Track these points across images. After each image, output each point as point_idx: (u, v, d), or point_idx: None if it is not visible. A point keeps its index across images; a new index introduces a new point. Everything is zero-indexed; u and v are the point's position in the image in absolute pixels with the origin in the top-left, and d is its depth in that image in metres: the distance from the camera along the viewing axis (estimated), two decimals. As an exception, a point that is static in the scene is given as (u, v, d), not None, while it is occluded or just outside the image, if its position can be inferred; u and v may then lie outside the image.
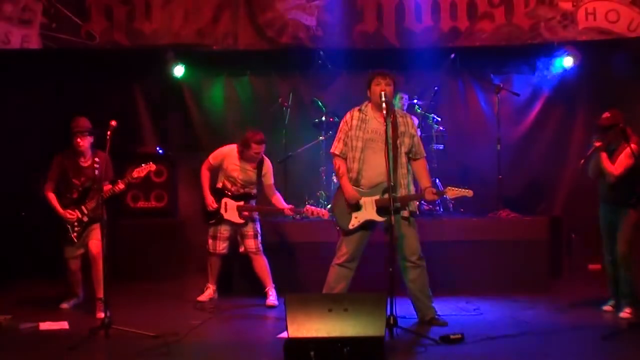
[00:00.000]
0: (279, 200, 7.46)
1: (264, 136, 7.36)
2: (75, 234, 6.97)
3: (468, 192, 6.16)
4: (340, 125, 6.44)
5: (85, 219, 6.98)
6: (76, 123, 6.97)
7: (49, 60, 8.86)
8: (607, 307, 6.90)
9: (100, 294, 6.77)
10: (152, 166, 6.94)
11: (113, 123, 6.26)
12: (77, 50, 8.79)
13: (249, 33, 8.78)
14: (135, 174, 6.81)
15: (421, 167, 6.41)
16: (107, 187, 6.87)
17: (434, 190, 6.30)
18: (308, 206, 7.30)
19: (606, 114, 6.71)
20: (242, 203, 7.39)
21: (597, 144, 6.61)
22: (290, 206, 7.35)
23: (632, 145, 6.38)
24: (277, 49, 8.86)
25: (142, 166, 6.85)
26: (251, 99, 9.70)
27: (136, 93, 9.57)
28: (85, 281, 7.21)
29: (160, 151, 9.22)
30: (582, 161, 6.80)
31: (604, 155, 6.61)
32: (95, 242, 6.90)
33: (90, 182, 6.92)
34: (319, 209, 7.25)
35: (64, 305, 7.24)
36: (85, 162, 7.02)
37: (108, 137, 6.24)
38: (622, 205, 6.66)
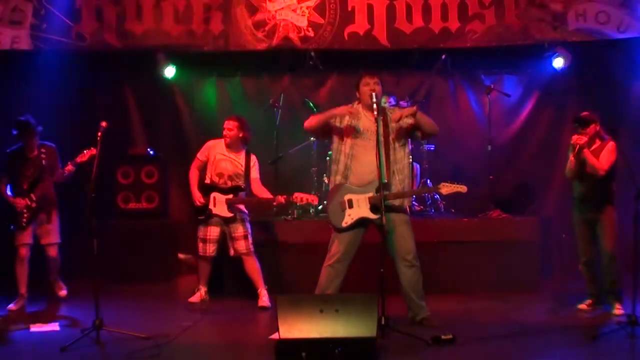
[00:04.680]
0: (265, 192, 7.45)
1: (234, 116, 7.63)
2: (24, 219, 7.29)
3: (462, 188, 6.13)
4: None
5: (34, 205, 7.31)
6: (24, 127, 7.34)
7: (39, 62, 8.83)
8: (582, 306, 6.97)
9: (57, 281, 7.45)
10: (93, 150, 6.86)
11: (104, 124, 6.27)
12: (67, 51, 8.77)
13: (240, 34, 8.78)
14: (78, 158, 7.02)
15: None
16: (59, 172, 7.29)
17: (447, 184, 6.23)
18: (296, 194, 7.11)
19: (585, 112, 6.86)
20: (231, 196, 7.38)
21: (580, 141, 6.66)
22: (278, 196, 7.30)
23: (612, 142, 6.63)
24: (268, 50, 8.85)
25: (84, 152, 6.97)
26: (242, 100, 9.68)
27: (127, 94, 9.54)
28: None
29: (151, 152, 9.20)
30: (572, 161, 6.84)
31: (588, 152, 6.67)
32: (52, 248, 7.49)
33: (39, 172, 7.31)
34: (307, 194, 7.12)
35: (12, 307, 7.23)
36: (31, 153, 7.36)
37: (99, 137, 6.25)
38: (602, 203, 6.72)
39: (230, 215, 7.35)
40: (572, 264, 7.29)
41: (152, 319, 6.88)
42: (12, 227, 7.32)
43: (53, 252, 7.49)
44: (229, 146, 7.50)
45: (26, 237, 7.34)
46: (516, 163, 9.34)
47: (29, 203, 7.30)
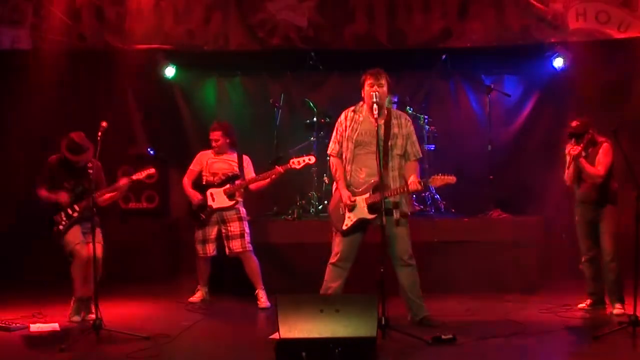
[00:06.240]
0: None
1: (215, 124, 7.60)
2: (62, 226, 6.75)
3: (451, 179, 6.12)
4: (336, 125, 6.46)
5: (75, 215, 6.77)
6: (72, 148, 6.71)
7: (40, 61, 8.83)
8: (582, 305, 6.97)
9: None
10: (152, 170, 6.88)
11: (104, 124, 6.26)
12: (67, 51, 8.77)
13: (240, 34, 8.78)
14: (134, 176, 6.79)
15: (410, 168, 6.31)
16: (106, 195, 6.80)
17: (418, 180, 6.14)
18: (292, 159, 7.27)
19: (575, 122, 6.81)
20: (228, 186, 7.37)
21: (574, 152, 6.65)
22: (274, 168, 7.33)
23: (606, 144, 6.65)
24: (268, 50, 8.86)
25: (141, 171, 6.84)
26: (242, 100, 9.69)
27: (127, 94, 9.53)
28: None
29: (152, 152, 9.20)
30: (568, 170, 6.84)
31: (584, 161, 6.67)
32: (98, 245, 6.62)
33: (82, 185, 6.79)
34: (302, 156, 7.25)
35: (75, 319, 6.76)
36: (78, 164, 6.81)
37: (99, 138, 6.24)
38: (603, 203, 6.71)
39: (231, 203, 7.34)
40: (572, 264, 7.29)
41: (152, 318, 6.88)
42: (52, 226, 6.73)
43: (98, 251, 6.51)
44: (218, 153, 7.52)
45: (77, 236, 6.74)
46: (516, 163, 9.33)
47: (71, 212, 6.73)
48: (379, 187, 6.01)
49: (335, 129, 6.46)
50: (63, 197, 6.77)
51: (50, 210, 6.81)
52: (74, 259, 6.78)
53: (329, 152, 6.47)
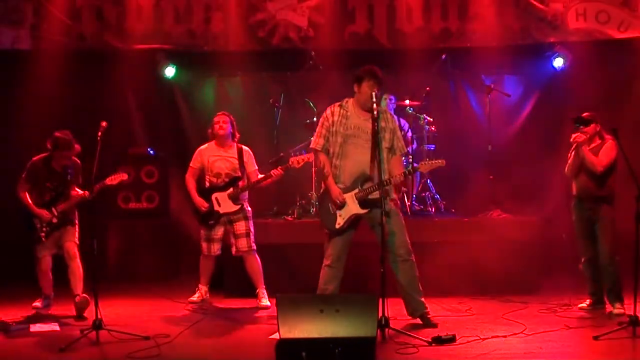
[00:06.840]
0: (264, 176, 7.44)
1: (225, 112, 7.60)
2: (43, 233, 6.94)
3: (441, 162, 6.16)
4: (320, 120, 6.42)
5: (55, 220, 6.96)
6: (63, 143, 6.93)
7: (40, 61, 8.83)
8: (582, 305, 6.98)
9: (78, 290, 6.89)
10: (124, 176, 6.95)
11: (104, 124, 6.27)
12: (67, 51, 8.77)
13: (240, 34, 8.80)
14: (107, 180, 6.85)
15: (396, 162, 6.34)
16: (76, 193, 6.93)
17: (399, 173, 6.21)
18: (291, 158, 7.24)
19: (585, 113, 6.87)
20: (231, 190, 7.37)
21: (579, 139, 6.67)
22: (273, 170, 7.30)
23: (611, 142, 6.65)
24: (269, 50, 8.86)
25: (114, 175, 6.89)
26: (242, 100, 9.69)
27: (127, 94, 9.54)
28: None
29: (152, 152, 9.20)
30: (570, 158, 6.85)
31: (586, 149, 6.67)
32: (71, 243, 6.99)
33: (62, 187, 6.97)
34: (301, 156, 7.23)
35: (37, 304, 7.13)
36: (58, 167, 7.02)
37: (99, 137, 6.25)
38: (600, 202, 6.73)
39: (237, 207, 7.33)
40: (573, 264, 7.29)
41: (152, 318, 6.88)
42: (30, 229, 6.99)
43: (72, 249, 6.98)
44: (221, 143, 7.48)
45: (47, 246, 7.00)
46: (516, 163, 9.33)
47: (50, 218, 6.95)
48: (369, 180, 6.02)
49: (320, 123, 6.41)
50: (44, 215, 6.95)
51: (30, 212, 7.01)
52: (37, 264, 7.04)
53: (313, 146, 6.40)
